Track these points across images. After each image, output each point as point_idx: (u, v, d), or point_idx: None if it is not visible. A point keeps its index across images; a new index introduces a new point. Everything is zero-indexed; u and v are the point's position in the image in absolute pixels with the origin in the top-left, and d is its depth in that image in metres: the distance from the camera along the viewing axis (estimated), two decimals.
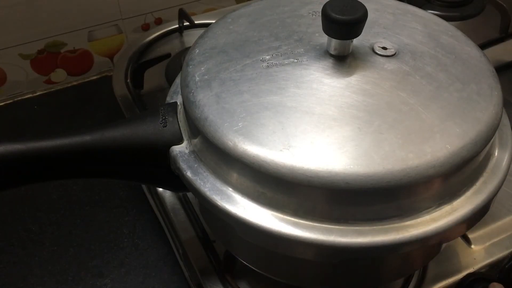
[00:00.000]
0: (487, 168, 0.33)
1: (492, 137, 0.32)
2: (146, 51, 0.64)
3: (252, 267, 0.39)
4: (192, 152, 0.34)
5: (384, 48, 0.35)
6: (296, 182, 0.29)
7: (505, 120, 0.37)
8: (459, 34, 0.38)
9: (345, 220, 0.30)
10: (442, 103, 0.32)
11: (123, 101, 0.58)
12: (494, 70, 0.35)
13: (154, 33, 0.67)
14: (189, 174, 0.33)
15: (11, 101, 0.67)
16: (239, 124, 0.31)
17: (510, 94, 0.56)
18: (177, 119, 0.35)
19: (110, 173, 0.37)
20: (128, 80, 0.60)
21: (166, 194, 0.49)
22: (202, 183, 0.32)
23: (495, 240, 0.45)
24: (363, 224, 0.30)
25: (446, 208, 0.31)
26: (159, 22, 0.71)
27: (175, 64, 0.62)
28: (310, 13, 0.38)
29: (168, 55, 0.64)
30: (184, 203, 0.48)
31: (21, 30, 0.63)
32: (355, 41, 0.34)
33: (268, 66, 0.34)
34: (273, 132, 0.30)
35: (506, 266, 0.43)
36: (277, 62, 0.34)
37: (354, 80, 0.33)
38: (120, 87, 0.59)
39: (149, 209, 0.53)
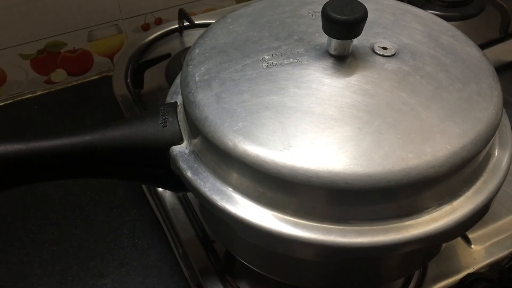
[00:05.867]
0: (487, 168, 0.33)
1: (492, 137, 0.32)
2: (146, 51, 0.64)
3: (252, 267, 0.39)
4: (192, 152, 0.34)
5: (384, 48, 0.35)
6: (296, 182, 0.29)
7: (505, 120, 0.37)
8: (459, 34, 0.38)
9: (345, 220, 0.30)
10: (442, 103, 0.32)
11: (123, 101, 0.58)
12: (494, 70, 0.35)
13: (154, 33, 0.67)
14: (189, 174, 0.33)
15: (11, 101, 0.67)
16: (239, 124, 0.31)
17: (510, 94, 0.56)
18: (177, 119, 0.35)
19: (110, 173, 0.37)
20: (128, 80, 0.60)
21: (166, 194, 0.49)
22: (202, 183, 0.32)
23: (495, 240, 0.45)
24: (363, 224, 0.30)
25: (446, 208, 0.31)
26: (159, 22, 0.71)
27: (175, 64, 0.62)
28: (310, 13, 0.38)
29: (168, 55, 0.64)
30: (184, 203, 0.48)
31: (21, 30, 0.63)
32: (355, 41, 0.34)
33: (268, 66, 0.34)
34: (273, 132, 0.30)
35: (506, 266, 0.43)
36: (277, 62, 0.34)
37: (354, 80, 0.33)
38: (120, 87, 0.59)
39: (149, 209, 0.53)
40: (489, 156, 0.34)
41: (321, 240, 0.30)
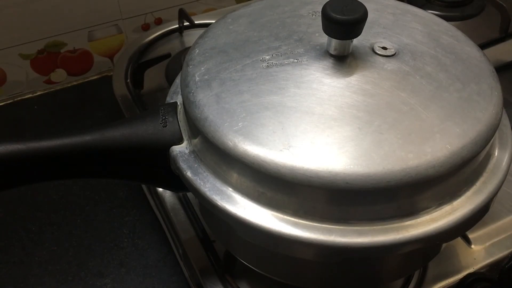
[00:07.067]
0: (487, 168, 0.33)
1: (492, 137, 0.32)
2: (146, 51, 0.64)
3: (252, 267, 0.39)
4: (192, 152, 0.34)
5: (384, 48, 0.35)
6: (296, 182, 0.29)
7: (505, 120, 0.37)
8: (459, 34, 0.38)
9: (345, 220, 0.30)
10: (442, 103, 0.32)
11: (123, 101, 0.58)
12: (494, 70, 0.35)
13: (154, 33, 0.67)
14: (189, 174, 0.33)
15: (11, 101, 0.67)
16: (239, 124, 0.31)
17: (510, 94, 0.56)
18: (177, 119, 0.35)
19: (110, 173, 0.37)
20: (128, 80, 0.60)
21: (166, 194, 0.49)
22: (202, 183, 0.32)
23: (495, 240, 0.45)
24: (363, 224, 0.30)
25: (446, 208, 0.31)
26: (159, 22, 0.71)
27: (175, 64, 0.62)
28: (310, 13, 0.38)
29: (168, 55, 0.64)
30: (184, 203, 0.48)
31: (21, 30, 0.63)
32: (355, 41, 0.34)
33: (268, 66, 0.34)
34: (273, 132, 0.30)
35: (506, 266, 0.43)
36: (277, 62, 0.34)
37: (354, 80, 0.33)
38: (120, 87, 0.59)
39: (149, 209, 0.53)
40: (489, 156, 0.34)
41: (321, 240, 0.30)
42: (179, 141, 0.35)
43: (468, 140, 0.30)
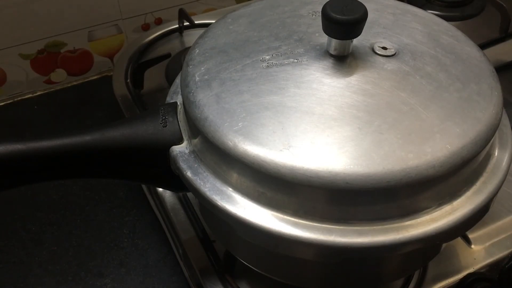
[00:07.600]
0: (487, 168, 0.33)
1: (492, 137, 0.32)
2: (146, 51, 0.64)
3: (252, 267, 0.39)
4: (192, 152, 0.34)
5: (384, 48, 0.35)
6: (296, 182, 0.29)
7: (505, 120, 0.37)
8: (459, 34, 0.38)
9: (345, 220, 0.30)
10: (442, 103, 0.32)
11: (123, 101, 0.58)
12: (494, 70, 0.35)
13: (154, 33, 0.67)
14: (189, 174, 0.33)
15: (11, 101, 0.67)
16: (239, 124, 0.31)
17: (510, 94, 0.56)
18: (177, 119, 0.35)
19: (110, 173, 0.37)
20: (128, 80, 0.60)
21: (166, 194, 0.49)
22: (202, 183, 0.32)
23: (495, 240, 0.45)
24: (363, 224, 0.30)
25: (446, 208, 0.31)
26: (159, 22, 0.71)
27: (175, 64, 0.62)
28: (310, 13, 0.38)
29: (168, 55, 0.64)
30: (184, 203, 0.48)
31: (21, 30, 0.63)
32: (355, 41, 0.34)
33: (268, 66, 0.34)
34: (273, 132, 0.30)
35: (506, 266, 0.43)
36: (277, 62, 0.34)
37: (354, 80, 0.33)
38: (120, 87, 0.59)
39: (149, 209, 0.53)
40: (489, 156, 0.34)
41: (321, 240, 0.30)
42: (179, 141, 0.35)
43: (468, 140, 0.30)
